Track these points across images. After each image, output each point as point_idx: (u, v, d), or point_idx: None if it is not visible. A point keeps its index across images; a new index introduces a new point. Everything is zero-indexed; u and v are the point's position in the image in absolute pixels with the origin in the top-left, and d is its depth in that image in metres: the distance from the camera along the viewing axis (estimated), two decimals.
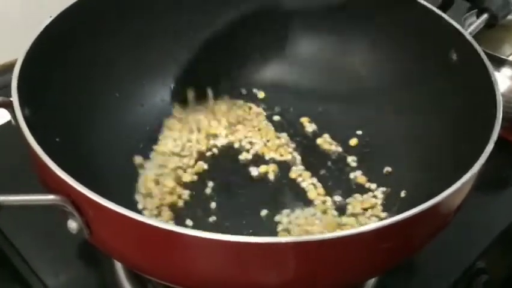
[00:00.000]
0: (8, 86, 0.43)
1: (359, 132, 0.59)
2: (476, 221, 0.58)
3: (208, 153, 0.58)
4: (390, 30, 0.57)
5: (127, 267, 0.49)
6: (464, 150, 0.43)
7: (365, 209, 0.53)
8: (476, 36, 0.57)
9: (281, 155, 0.58)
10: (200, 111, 0.61)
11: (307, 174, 0.56)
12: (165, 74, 0.60)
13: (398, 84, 0.56)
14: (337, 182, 0.55)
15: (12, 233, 0.54)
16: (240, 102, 0.62)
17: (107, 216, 0.35)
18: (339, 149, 0.58)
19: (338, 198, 0.54)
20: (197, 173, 0.56)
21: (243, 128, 0.60)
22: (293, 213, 0.53)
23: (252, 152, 0.58)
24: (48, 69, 0.49)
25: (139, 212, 0.51)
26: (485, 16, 0.54)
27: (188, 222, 0.51)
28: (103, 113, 0.54)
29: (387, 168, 0.56)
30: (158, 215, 0.51)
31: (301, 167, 0.57)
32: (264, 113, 0.62)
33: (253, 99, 0.62)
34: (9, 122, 0.46)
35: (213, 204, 0.53)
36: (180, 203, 0.53)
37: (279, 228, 0.51)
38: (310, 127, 0.60)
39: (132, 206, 0.51)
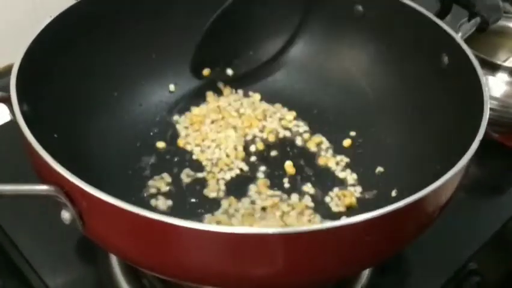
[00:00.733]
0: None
1: (353, 134, 0.60)
2: (470, 224, 0.60)
3: None
4: (384, 34, 0.58)
5: (121, 259, 0.50)
6: (455, 151, 0.44)
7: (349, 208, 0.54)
8: (472, 42, 0.59)
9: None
10: None
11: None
12: (164, 74, 0.61)
13: (392, 86, 0.57)
14: (327, 181, 0.56)
15: (12, 230, 0.55)
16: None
17: (98, 207, 0.36)
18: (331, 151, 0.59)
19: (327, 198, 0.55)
20: None
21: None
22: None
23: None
24: (47, 67, 0.50)
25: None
26: (476, 20, 0.55)
27: None
28: (100, 111, 0.56)
29: (380, 169, 0.56)
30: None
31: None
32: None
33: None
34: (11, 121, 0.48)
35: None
36: None
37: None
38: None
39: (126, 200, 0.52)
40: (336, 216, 0.53)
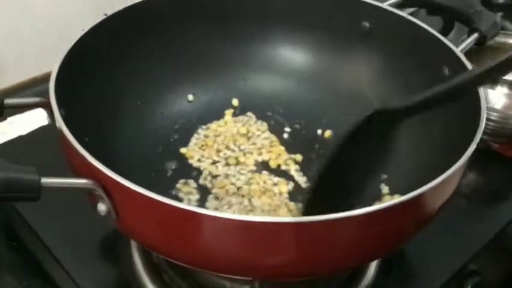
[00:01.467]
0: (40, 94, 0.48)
1: None
2: (471, 228, 0.62)
3: None
4: (389, 48, 0.62)
5: (149, 249, 0.52)
6: (455, 157, 0.46)
7: None
8: (473, 58, 0.62)
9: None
10: None
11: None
12: (183, 85, 0.65)
13: (396, 96, 0.59)
14: None
15: (42, 230, 0.58)
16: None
17: (131, 198, 0.39)
18: None
19: None
20: None
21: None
22: None
23: None
24: (79, 77, 0.53)
25: None
26: (475, 35, 0.58)
27: None
28: (126, 118, 0.59)
29: (383, 176, 0.59)
30: None
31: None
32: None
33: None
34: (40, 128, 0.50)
35: None
36: None
37: None
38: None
39: None
40: None
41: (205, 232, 0.40)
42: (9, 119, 0.69)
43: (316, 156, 0.63)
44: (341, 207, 0.37)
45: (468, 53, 0.58)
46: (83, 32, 0.54)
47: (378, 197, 0.58)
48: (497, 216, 0.65)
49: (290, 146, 0.64)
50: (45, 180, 0.39)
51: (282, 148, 0.63)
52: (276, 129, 0.65)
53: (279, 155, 0.63)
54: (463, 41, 0.65)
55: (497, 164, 0.71)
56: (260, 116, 0.66)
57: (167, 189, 0.58)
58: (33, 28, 0.77)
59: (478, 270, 0.61)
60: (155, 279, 0.55)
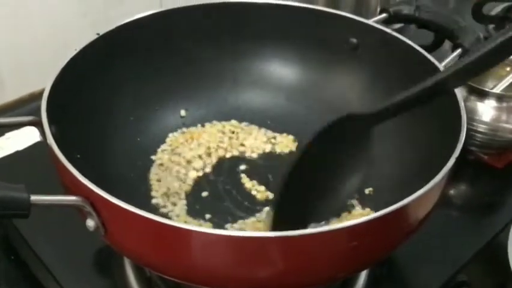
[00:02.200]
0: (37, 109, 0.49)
1: None
2: (461, 238, 0.63)
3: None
4: (375, 63, 0.63)
5: (136, 263, 0.54)
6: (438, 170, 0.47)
7: None
8: None
9: None
10: None
11: None
12: (176, 101, 0.67)
13: None
14: None
15: (35, 243, 0.59)
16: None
17: (118, 214, 0.41)
18: None
19: None
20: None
21: None
22: None
23: None
24: (71, 94, 0.54)
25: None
26: (458, 51, 0.59)
27: None
28: (117, 133, 0.60)
29: (369, 189, 0.60)
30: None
31: None
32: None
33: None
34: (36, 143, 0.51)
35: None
36: None
37: None
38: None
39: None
40: None
41: (191, 247, 0.41)
42: (7, 134, 0.71)
43: None
44: (309, 216, 0.37)
45: None
46: (75, 52, 0.55)
47: (348, 208, 0.58)
48: (487, 227, 0.66)
49: None
50: (34, 197, 0.40)
51: None
52: None
53: None
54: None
55: (486, 175, 0.72)
56: None
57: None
58: (32, 43, 0.78)
59: (469, 281, 0.61)
60: None
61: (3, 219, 0.61)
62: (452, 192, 0.69)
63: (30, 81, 0.79)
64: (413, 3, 0.65)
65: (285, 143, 0.66)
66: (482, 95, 0.68)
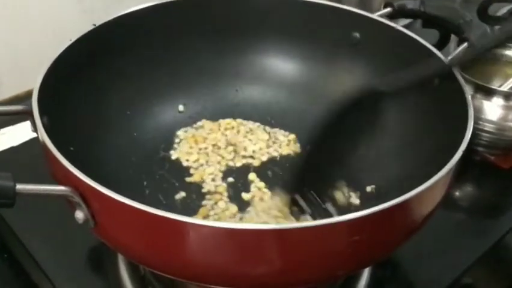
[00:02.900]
0: None
1: None
2: (467, 239, 0.62)
3: None
4: (378, 58, 0.62)
5: (127, 258, 0.53)
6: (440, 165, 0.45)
7: None
8: (469, 70, 0.61)
9: None
10: None
11: None
12: (174, 95, 0.65)
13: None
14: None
15: (27, 239, 0.58)
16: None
17: (109, 206, 0.39)
18: None
19: None
20: None
21: None
22: None
23: None
24: (65, 86, 0.53)
25: None
26: (464, 45, 0.58)
27: None
28: (114, 127, 0.59)
29: (372, 187, 0.59)
30: None
31: None
32: None
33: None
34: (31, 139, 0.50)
35: None
36: None
37: None
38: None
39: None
40: None
41: (186, 240, 0.40)
42: (2, 130, 0.70)
43: None
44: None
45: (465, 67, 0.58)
46: (69, 42, 0.54)
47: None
48: (493, 229, 0.64)
49: None
50: (20, 186, 0.39)
51: None
52: None
53: None
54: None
55: (492, 176, 0.71)
56: None
57: (157, 196, 0.58)
58: (29, 40, 0.77)
59: (474, 284, 0.60)
60: None
61: None
62: (457, 193, 0.68)
63: (28, 79, 0.77)
64: None
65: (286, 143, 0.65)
66: (489, 93, 0.67)
